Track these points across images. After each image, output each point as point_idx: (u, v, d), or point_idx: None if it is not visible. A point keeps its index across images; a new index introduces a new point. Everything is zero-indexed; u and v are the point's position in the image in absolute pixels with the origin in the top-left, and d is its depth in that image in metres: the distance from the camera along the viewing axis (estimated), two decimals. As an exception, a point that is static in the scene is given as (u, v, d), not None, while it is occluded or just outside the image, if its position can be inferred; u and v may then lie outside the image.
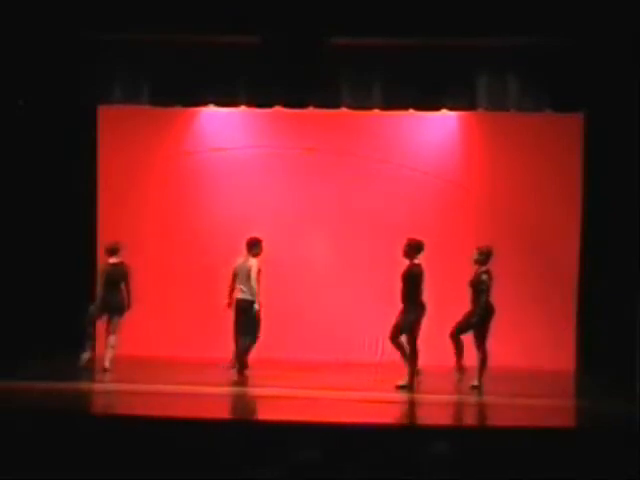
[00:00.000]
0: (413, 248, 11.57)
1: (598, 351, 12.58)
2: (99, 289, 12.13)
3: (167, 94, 12.54)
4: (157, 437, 8.09)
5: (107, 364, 11.85)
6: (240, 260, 11.91)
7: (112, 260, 12.14)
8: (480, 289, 11.54)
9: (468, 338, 11.67)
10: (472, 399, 10.90)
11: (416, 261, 11.57)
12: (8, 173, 12.62)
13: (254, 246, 11.95)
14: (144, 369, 12.34)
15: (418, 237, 11.65)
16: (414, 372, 11.35)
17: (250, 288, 11.77)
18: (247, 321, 11.78)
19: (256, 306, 11.74)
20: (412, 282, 11.48)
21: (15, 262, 12.69)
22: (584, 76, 11.95)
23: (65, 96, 12.45)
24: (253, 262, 11.87)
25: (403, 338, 11.47)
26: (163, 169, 13.91)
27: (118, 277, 12.09)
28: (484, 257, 11.66)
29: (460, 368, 11.72)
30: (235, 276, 11.89)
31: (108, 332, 12.04)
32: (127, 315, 12.26)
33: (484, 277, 11.55)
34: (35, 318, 12.70)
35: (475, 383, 11.39)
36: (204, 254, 13.46)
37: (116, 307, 12.07)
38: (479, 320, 11.46)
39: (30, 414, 8.66)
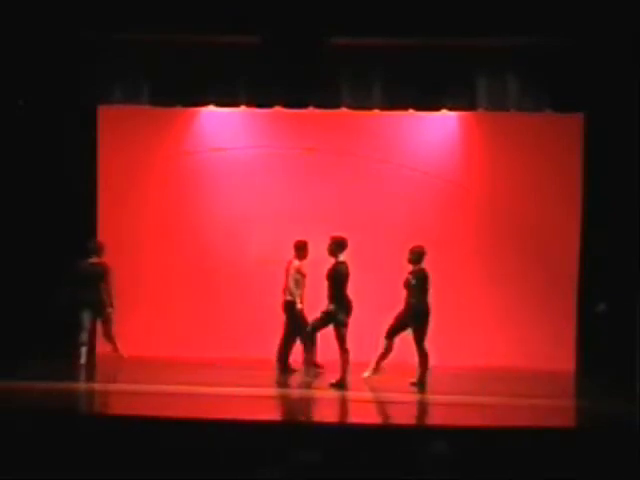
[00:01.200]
0: (337, 245, 11.45)
1: (598, 351, 12.57)
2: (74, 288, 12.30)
3: (167, 94, 12.55)
4: (157, 437, 8.09)
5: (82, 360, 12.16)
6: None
7: (92, 260, 12.30)
8: (411, 289, 11.51)
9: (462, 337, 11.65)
10: (471, 400, 10.89)
11: (341, 259, 11.47)
12: (8, 173, 12.63)
13: (300, 249, 12.17)
14: (144, 369, 12.33)
15: (342, 234, 11.57)
16: (346, 370, 11.30)
17: (289, 289, 12.03)
18: (289, 321, 12.02)
19: (298, 306, 11.96)
20: (337, 280, 11.37)
21: (15, 262, 12.69)
22: (584, 76, 11.95)
23: (65, 96, 12.46)
24: (295, 264, 12.12)
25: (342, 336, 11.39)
26: (163, 169, 13.91)
27: (96, 276, 12.26)
28: (416, 257, 11.61)
29: (377, 369, 11.66)
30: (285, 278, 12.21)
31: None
32: (126, 315, 12.28)
33: (418, 276, 11.51)
34: (35, 318, 12.70)
35: (414, 380, 11.39)
36: (204, 254, 13.46)
37: (92, 306, 12.27)
38: (417, 320, 11.43)
39: (30, 414, 8.65)
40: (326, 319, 11.39)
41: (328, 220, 13.49)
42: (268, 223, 13.54)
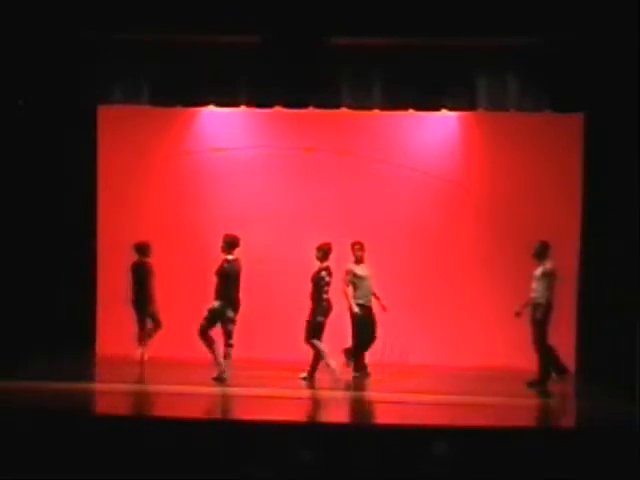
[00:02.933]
0: (227, 243, 11.62)
1: (598, 351, 12.57)
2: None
3: (167, 94, 12.54)
4: (157, 437, 8.09)
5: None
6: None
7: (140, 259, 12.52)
8: (319, 285, 11.62)
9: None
10: (470, 399, 10.89)
11: (230, 257, 11.59)
12: (8, 173, 12.62)
13: (357, 250, 12.32)
14: (144, 369, 12.33)
15: (233, 233, 11.75)
16: (222, 363, 11.44)
17: (347, 293, 12.19)
18: (353, 324, 12.16)
19: (354, 310, 12.04)
20: (224, 278, 11.54)
21: (15, 262, 12.69)
22: (584, 76, 11.94)
23: (65, 96, 12.45)
24: (351, 267, 12.25)
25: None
26: (163, 169, 13.92)
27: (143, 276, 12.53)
28: (322, 254, 11.74)
29: (311, 374, 11.73)
30: None
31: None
32: (126, 315, 12.29)
33: (323, 274, 11.62)
34: (36, 318, 12.70)
35: (304, 375, 11.56)
36: (204, 254, 13.43)
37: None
38: (324, 316, 11.59)
39: (30, 414, 8.65)
40: (212, 317, 11.53)
41: (328, 220, 13.50)
42: (268, 223, 13.54)
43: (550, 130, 13.25)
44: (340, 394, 11.10)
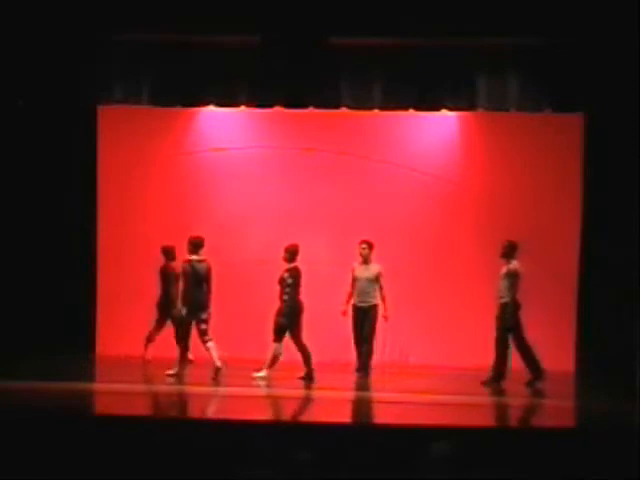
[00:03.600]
0: (191, 244, 11.67)
1: (598, 351, 12.57)
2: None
3: (167, 94, 12.54)
4: (157, 437, 8.09)
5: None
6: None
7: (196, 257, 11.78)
8: (282, 287, 11.60)
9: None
10: (479, 399, 10.89)
11: (194, 257, 11.63)
12: (8, 173, 12.62)
13: (362, 249, 12.29)
14: (144, 369, 12.34)
15: (199, 234, 11.79)
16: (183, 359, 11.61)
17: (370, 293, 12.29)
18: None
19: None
20: (183, 279, 11.62)
21: (15, 262, 12.69)
22: (584, 76, 11.94)
23: (65, 96, 12.45)
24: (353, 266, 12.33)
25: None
26: (163, 169, 13.92)
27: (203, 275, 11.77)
28: (290, 255, 11.71)
29: (307, 373, 11.68)
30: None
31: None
32: (126, 315, 12.30)
33: (285, 275, 11.61)
34: (35, 318, 12.70)
35: (260, 374, 11.48)
36: (204, 254, 13.43)
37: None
38: (291, 316, 11.53)
39: (30, 414, 8.65)
40: (177, 324, 11.79)
41: (328, 220, 13.51)
42: (267, 223, 13.54)
43: (550, 130, 13.25)
44: (340, 394, 11.09)
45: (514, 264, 11.65)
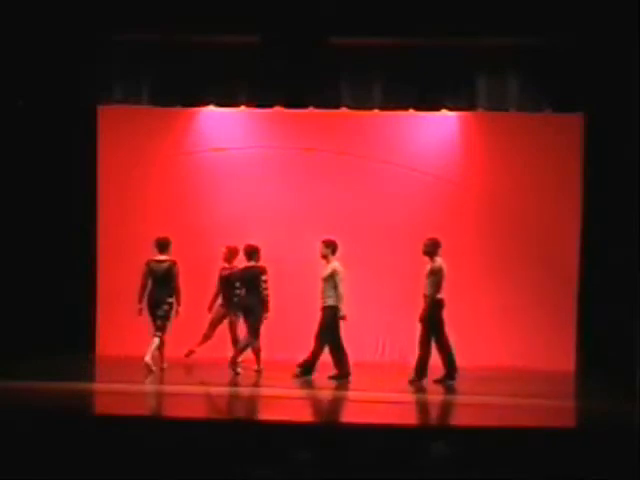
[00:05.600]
0: (157, 245, 11.91)
1: (598, 351, 12.57)
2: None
3: (167, 94, 12.55)
4: (157, 437, 8.09)
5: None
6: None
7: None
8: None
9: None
10: (473, 399, 10.89)
11: (160, 257, 11.86)
12: (8, 173, 12.62)
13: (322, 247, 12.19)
14: (144, 369, 12.34)
15: (166, 235, 12.01)
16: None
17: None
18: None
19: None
20: (143, 278, 11.99)
21: (15, 262, 12.69)
22: (584, 76, 11.95)
23: (65, 96, 12.46)
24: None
25: None
26: (163, 169, 13.92)
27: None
28: (230, 256, 12.14)
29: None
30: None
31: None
32: (126, 315, 12.31)
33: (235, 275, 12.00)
34: (35, 318, 12.70)
35: (238, 370, 11.70)
36: (204, 254, 13.44)
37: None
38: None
39: (30, 414, 8.65)
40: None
41: (328, 220, 13.50)
42: (267, 223, 13.53)
43: (550, 130, 13.26)
44: (340, 394, 11.09)
45: (438, 261, 11.68)
